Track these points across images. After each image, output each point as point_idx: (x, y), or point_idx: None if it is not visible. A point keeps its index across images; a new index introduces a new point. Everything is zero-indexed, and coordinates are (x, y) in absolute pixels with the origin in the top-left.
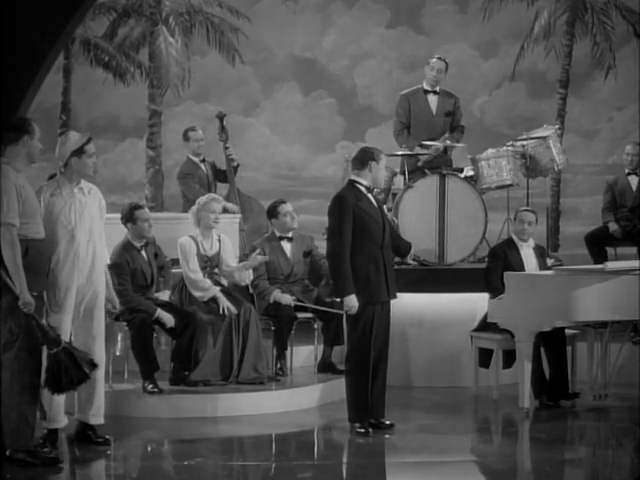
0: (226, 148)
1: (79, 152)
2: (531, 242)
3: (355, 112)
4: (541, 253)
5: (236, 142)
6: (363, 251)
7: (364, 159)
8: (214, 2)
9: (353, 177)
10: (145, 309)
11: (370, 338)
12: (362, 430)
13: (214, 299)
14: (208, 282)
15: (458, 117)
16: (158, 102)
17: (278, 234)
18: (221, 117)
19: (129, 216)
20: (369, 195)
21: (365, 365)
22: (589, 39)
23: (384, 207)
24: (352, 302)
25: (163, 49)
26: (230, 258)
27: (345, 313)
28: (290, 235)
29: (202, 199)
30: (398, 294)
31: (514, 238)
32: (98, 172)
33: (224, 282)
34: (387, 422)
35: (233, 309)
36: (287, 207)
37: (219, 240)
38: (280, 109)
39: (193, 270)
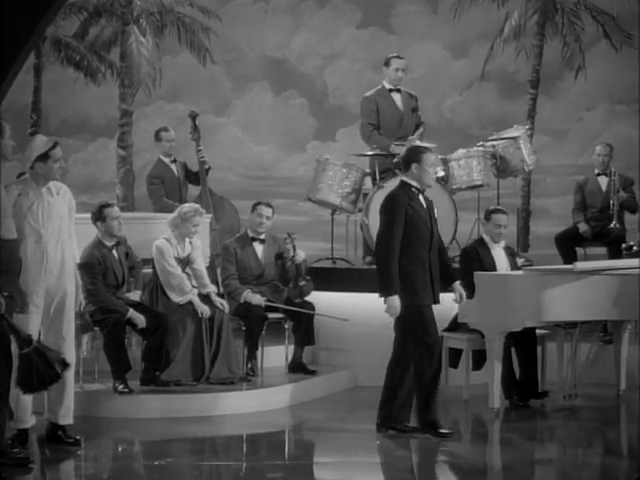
0: (198, 151)
1: (44, 157)
2: (502, 242)
3: (326, 112)
4: (511, 253)
5: (207, 142)
6: (411, 252)
7: (407, 160)
8: (185, 2)
9: (401, 178)
10: (117, 309)
11: (422, 338)
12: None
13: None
14: (189, 285)
15: (419, 114)
16: (129, 102)
17: (251, 235)
18: (193, 116)
19: (99, 215)
20: (420, 197)
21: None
22: (559, 40)
23: (435, 210)
24: (394, 302)
25: (134, 49)
26: (199, 258)
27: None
28: (262, 237)
29: (186, 209)
30: (368, 294)
31: (485, 238)
32: (68, 172)
33: (194, 282)
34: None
35: (208, 313)
36: (264, 210)
37: (190, 242)
38: (251, 109)
39: (175, 272)
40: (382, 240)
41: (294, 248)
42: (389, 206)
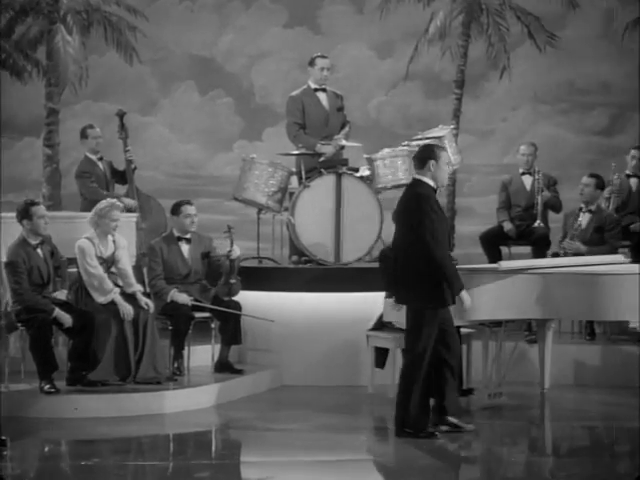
0: (126, 151)
1: None
2: None
3: (253, 111)
4: None
5: (134, 141)
6: (446, 250)
7: (423, 158)
8: (112, 1)
9: (416, 177)
10: (43, 308)
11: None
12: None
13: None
14: (111, 285)
15: (345, 113)
16: (56, 101)
17: (176, 234)
18: (121, 115)
19: (24, 213)
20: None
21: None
22: (484, 40)
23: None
24: (467, 295)
25: (61, 47)
26: (125, 257)
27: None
28: (188, 236)
29: (102, 206)
30: (294, 294)
31: None
32: None
33: (120, 282)
34: None
35: (131, 314)
36: (190, 209)
37: (114, 241)
38: (178, 108)
39: (96, 273)
40: (430, 239)
41: (232, 243)
42: (426, 207)
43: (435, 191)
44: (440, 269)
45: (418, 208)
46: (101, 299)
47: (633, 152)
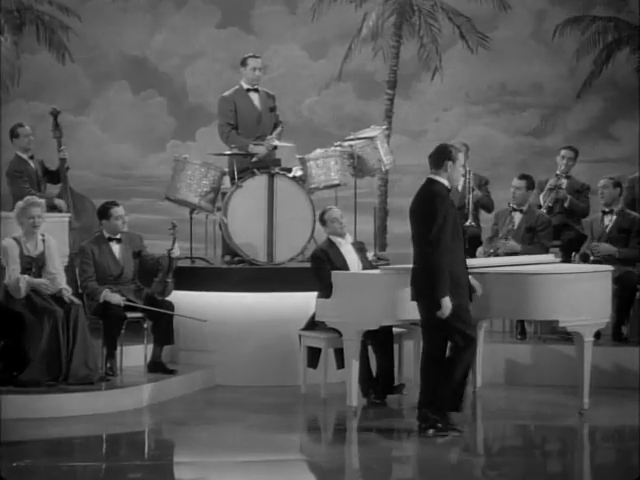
0: (60, 150)
1: None
2: (348, 238)
3: (185, 111)
4: (360, 248)
5: (67, 141)
6: (454, 251)
7: (440, 158)
8: (44, 0)
9: (431, 176)
10: None
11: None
12: None
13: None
14: (24, 281)
15: (277, 114)
16: None
17: (107, 235)
18: (55, 114)
19: None
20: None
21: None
22: (416, 41)
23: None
24: (448, 303)
25: None
26: (55, 257)
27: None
28: (118, 236)
29: (20, 204)
30: (227, 294)
31: (332, 238)
32: None
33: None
34: None
35: (47, 284)
36: (120, 210)
37: (43, 240)
38: (111, 108)
39: (10, 273)
40: (434, 241)
41: (174, 241)
42: (440, 206)
43: (449, 191)
44: (431, 271)
45: (432, 209)
46: (17, 295)
47: (563, 152)
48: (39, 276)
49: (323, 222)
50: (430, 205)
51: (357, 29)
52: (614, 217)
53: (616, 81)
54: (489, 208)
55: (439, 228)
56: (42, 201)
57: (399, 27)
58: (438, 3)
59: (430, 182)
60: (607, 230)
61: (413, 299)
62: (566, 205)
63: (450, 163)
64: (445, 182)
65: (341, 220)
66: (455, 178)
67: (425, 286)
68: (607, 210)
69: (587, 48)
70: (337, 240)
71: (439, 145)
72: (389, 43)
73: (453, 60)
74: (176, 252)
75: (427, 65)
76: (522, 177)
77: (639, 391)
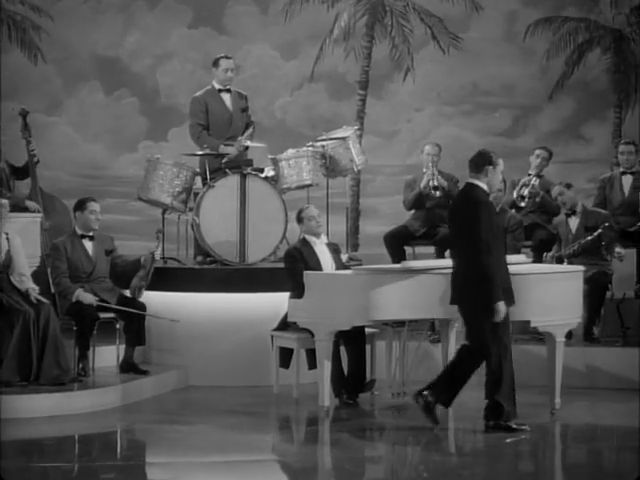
0: (31, 150)
1: None
2: (323, 238)
3: (158, 111)
4: (335, 249)
5: (39, 141)
6: (500, 254)
7: (480, 163)
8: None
9: (471, 180)
10: None
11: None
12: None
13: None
14: None
15: (249, 114)
16: None
17: (80, 232)
18: (24, 114)
19: None
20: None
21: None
22: (388, 41)
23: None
24: (503, 307)
25: None
26: (21, 256)
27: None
28: (91, 234)
29: None
30: (200, 294)
31: (307, 238)
32: None
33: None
34: None
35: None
36: (95, 206)
37: (7, 239)
38: (83, 108)
39: None
40: (484, 248)
41: (158, 244)
42: (485, 212)
43: (488, 196)
44: (484, 276)
45: (477, 215)
46: None
47: (538, 152)
48: (5, 276)
49: (300, 220)
50: (475, 211)
51: (329, 30)
52: (578, 218)
53: (587, 82)
54: None
55: (487, 234)
56: (5, 201)
57: (371, 28)
58: (410, 4)
59: (470, 187)
60: (573, 231)
61: (453, 302)
62: (538, 199)
63: (490, 168)
64: (485, 187)
65: (318, 219)
66: (494, 183)
67: (473, 291)
68: (569, 212)
69: (558, 49)
70: (312, 240)
71: (480, 150)
72: (361, 44)
73: (425, 61)
74: (157, 256)
75: (399, 66)
76: None
77: (639, 392)
